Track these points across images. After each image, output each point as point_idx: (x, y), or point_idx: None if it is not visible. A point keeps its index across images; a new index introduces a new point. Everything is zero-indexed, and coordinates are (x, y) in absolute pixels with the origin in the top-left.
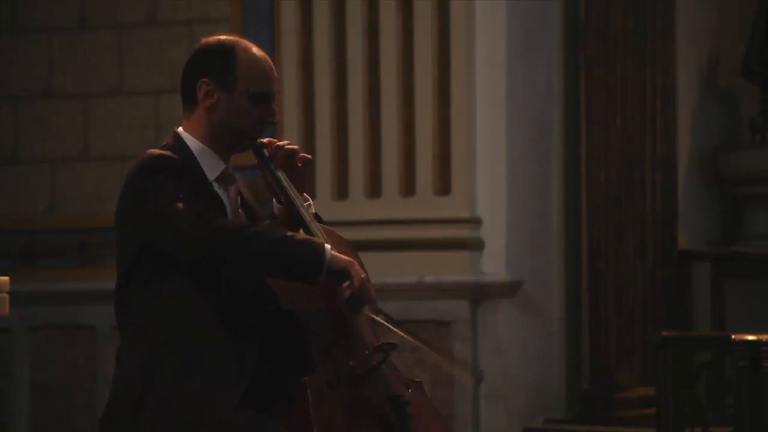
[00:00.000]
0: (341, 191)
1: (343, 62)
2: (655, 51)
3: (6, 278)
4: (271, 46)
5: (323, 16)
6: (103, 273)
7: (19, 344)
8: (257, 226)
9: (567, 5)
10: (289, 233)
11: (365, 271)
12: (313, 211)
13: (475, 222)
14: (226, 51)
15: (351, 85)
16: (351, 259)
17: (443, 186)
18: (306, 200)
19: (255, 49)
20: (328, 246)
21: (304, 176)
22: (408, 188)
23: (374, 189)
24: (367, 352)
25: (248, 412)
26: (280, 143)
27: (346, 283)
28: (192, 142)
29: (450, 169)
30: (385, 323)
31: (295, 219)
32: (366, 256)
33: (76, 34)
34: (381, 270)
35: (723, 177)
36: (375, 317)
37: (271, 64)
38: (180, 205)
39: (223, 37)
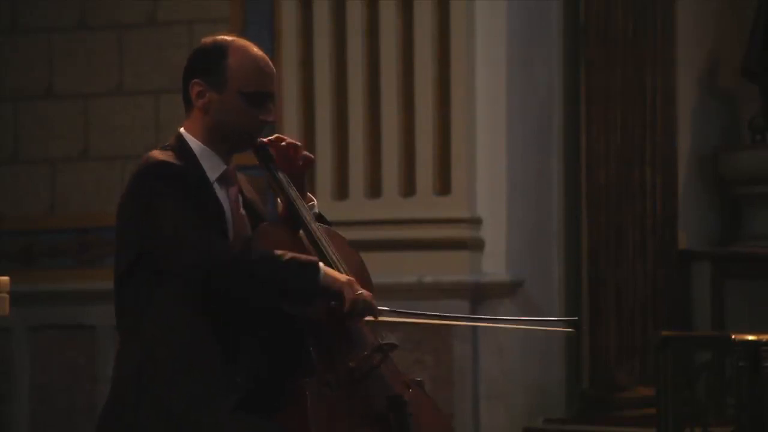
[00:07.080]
0: (341, 191)
1: (343, 62)
2: (655, 51)
3: (6, 278)
4: (271, 46)
5: (323, 16)
6: (103, 273)
7: (19, 344)
8: (251, 254)
9: (567, 5)
10: (286, 258)
11: (366, 278)
12: (317, 211)
13: (475, 222)
14: (218, 51)
15: (351, 85)
16: (346, 279)
17: (443, 186)
18: (309, 200)
19: (251, 49)
20: (322, 270)
21: (304, 175)
22: (408, 188)
23: (374, 189)
24: (366, 353)
25: (244, 415)
26: (284, 142)
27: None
28: (193, 142)
29: (450, 169)
30: (386, 318)
31: (295, 221)
32: (366, 256)
33: (76, 34)
34: (381, 270)
35: (723, 177)
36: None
37: (268, 63)
38: (180, 224)
39: (220, 37)
